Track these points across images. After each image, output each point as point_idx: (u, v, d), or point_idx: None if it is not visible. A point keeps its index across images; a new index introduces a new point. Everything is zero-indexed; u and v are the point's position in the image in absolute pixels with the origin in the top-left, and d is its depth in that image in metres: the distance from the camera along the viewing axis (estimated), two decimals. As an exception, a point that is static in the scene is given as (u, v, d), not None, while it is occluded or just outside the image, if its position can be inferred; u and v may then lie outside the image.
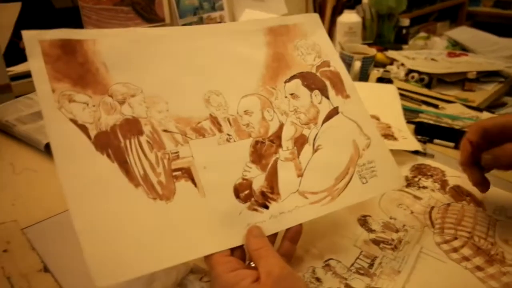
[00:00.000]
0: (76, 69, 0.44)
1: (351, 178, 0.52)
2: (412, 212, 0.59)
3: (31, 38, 0.43)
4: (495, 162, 0.54)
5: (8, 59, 0.89)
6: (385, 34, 1.45)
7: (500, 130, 0.54)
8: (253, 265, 0.42)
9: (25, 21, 1.15)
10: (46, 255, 0.50)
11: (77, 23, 1.18)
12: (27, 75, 0.71)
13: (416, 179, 0.67)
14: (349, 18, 1.30)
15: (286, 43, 0.57)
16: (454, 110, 0.94)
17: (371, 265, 0.50)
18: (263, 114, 0.51)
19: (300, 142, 0.51)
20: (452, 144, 0.77)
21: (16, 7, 1.11)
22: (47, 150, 0.69)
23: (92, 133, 0.42)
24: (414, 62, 1.17)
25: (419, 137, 0.79)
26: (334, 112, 0.55)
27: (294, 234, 0.46)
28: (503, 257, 0.51)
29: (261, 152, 0.49)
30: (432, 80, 1.09)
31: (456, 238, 0.54)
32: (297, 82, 0.55)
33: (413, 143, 0.74)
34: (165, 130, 0.45)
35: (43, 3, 1.30)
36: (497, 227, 0.56)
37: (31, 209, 0.58)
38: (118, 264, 0.38)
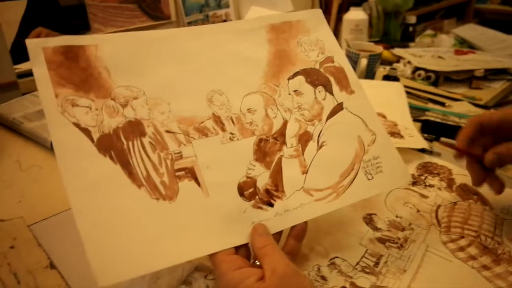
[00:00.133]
0: (78, 74, 0.44)
1: (356, 175, 0.51)
2: (418, 211, 0.59)
3: (34, 46, 0.44)
4: (500, 161, 0.53)
5: (15, 57, 0.90)
6: (392, 32, 1.44)
7: (498, 125, 0.54)
8: (257, 263, 0.42)
9: (31, 19, 1.15)
10: (52, 251, 0.50)
11: (83, 21, 1.18)
12: (33, 72, 0.71)
13: (423, 177, 0.67)
14: (356, 15, 1.29)
15: (288, 39, 0.56)
16: (461, 108, 0.93)
17: (376, 263, 0.50)
18: (266, 112, 0.51)
19: (304, 139, 0.51)
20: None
21: (21, 5, 1.12)
22: (53, 147, 0.69)
23: (95, 136, 0.42)
24: (421, 60, 1.16)
25: (425, 135, 0.79)
26: (338, 108, 0.55)
27: (299, 232, 0.46)
28: (510, 256, 0.51)
29: (265, 149, 0.49)
30: (439, 78, 1.08)
31: (462, 237, 0.54)
32: (301, 78, 0.54)
33: (420, 141, 0.73)
34: (167, 131, 0.46)
35: (48, 0, 1.31)
36: (504, 226, 0.56)
37: (37, 206, 0.59)
38: (121, 264, 0.38)
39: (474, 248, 0.52)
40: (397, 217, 0.58)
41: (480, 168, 0.55)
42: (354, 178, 0.51)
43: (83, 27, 1.24)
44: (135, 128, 0.44)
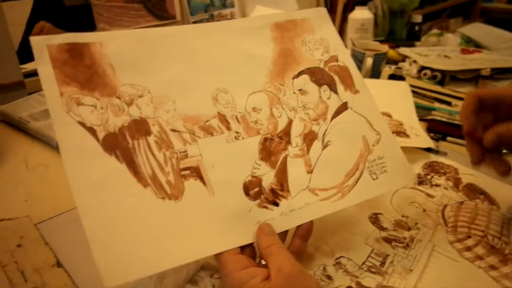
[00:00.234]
0: (83, 72, 0.44)
1: (361, 174, 0.51)
2: (424, 210, 0.59)
3: (39, 43, 0.43)
4: (500, 141, 0.50)
5: (21, 56, 0.90)
6: (397, 31, 1.43)
7: (496, 102, 0.52)
8: (263, 262, 0.42)
9: (36, 19, 1.16)
10: (58, 250, 0.51)
11: (88, 21, 1.19)
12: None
13: (429, 176, 0.66)
14: (361, 14, 1.29)
15: (293, 38, 0.56)
16: (467, 108, 0.92)
17: (382, 263, 0.50)
18: (271, 111, 0.51)
19: (309, 138, 0.51)
20: (465, 142, 0.76)
21: (27, 4, 1.12)
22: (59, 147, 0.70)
23: (100, 135, 0.42)
24: (427, 59, 1.16)
25: (431, 134, 0.78)
26: (343, 107, 0.54)
27: (304, 231, 0.46)
28: (518, 256, 0.50)
29: (270, 149, 0.49)
30: (445, 77, 1.07)
31: (469, 237, 0.53)
32: (305, 77, 0.54)
33: (426, 141, 0.73)
34: (173, 130, 0.45)
35: (52, 1, 1.31)
36: (512, 226, 0.55)
37: (44, 205, 0.59)
38: (127, 264, 0.38)
39: (481, 248, 0.52)
40: (403, 216, 0.57)
41: (479, 147, 0.53)
42: (359, 178, 0.51)
43: (88, 27, 1.24)
44: (140, 127, 0.44)
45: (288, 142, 0.50)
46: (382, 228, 0.55)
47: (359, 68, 1.03)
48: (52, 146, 0.72)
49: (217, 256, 0.42)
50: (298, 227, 0.46)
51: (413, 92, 0.95)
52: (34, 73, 0.94)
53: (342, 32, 1.42)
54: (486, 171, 0.66)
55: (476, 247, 0.52)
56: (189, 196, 0.43)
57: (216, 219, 0.43)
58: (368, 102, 0.56)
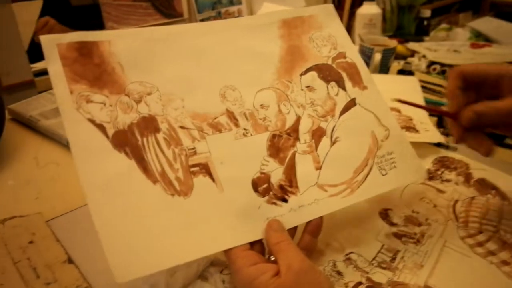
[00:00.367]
0: (92, 70, 0.44)
1: (370, 170, 0.51)
2: (435, 206, 0.58)
3: (49, 42, 0.44)
4: (479, 120, 0.47)
5: (31, 55, 0.91)
6: (406, 26, 1.42)
7: (479, 79, 0.49)
8: (273, 258, 0.42)
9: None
10: (70, 246, 0.51)
11: (97, 20, 1.19)
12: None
13: (439, 172, 0.66)
14: (369, 9, 1.28)
15: (300, 35, 0.56)
16: (477, 102, 0.91)
17: (393, 259, 0.49)
18: (279, 108, 0.51)
19: (317, 134, 0.51)
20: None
21: (37, 5, 1.14)
22: (69, 144, 0.70)
23: (110, 132, 0.43)
24: (436, 54, 1.15)
25: (441, 129, 0.77)
26: (351, 103, 0.54)
27: (314, 227, 0.46)
28: (531, 251, 0.50)
29: (279, 145, 0.49)
30: (454, 72, 1.06)
31: (481, 232, 0.53)
32: (313, 74, 0.54)
33: (436, 136, 0.72)
34: (181, 127, 0.46)
35: (59, 0, 1.32)
36: (524, 221, 0.55)
37: (55, 202, 0.59)
38: (138, 260, 0.38)
39: (493, 244, 0.51)
40: (413, 212, 0.57)
41: (460, 126, 0.49)
42: (368, 174, 0.51)
43: (97, 27, 1.25)
44: (149, 124, 0.45)
45: (297, 138, 0.50)
46: (392, 224, 0.55)
47: (368, 64, 1.03)
48: (62, 144, 0.73)
49: (227, 252, 0.42)
50: (307, 223, 0.46)
51: (423, 87, 0.94)
52: (44, 72, 0.95)
53: (350, 27, 1.41)
54: (497, 165, 0.66)
55: (488, 243, 0.51)
56: (198, 193, 0.43)
57: (225, 215, 0.43)
58: (376, 98, 0.56)
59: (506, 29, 1.42)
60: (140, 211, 0.41)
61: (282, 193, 0.47)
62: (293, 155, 0.49)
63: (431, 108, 0.54)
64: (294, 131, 0.50)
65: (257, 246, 0.44)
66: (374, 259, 0.49)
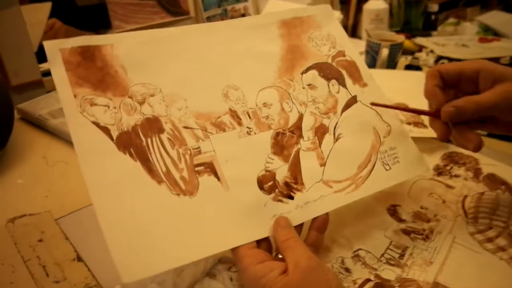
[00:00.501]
0: (96, 73, 0.45)
1: (374, 166, 0.51)
2: (444, 202, 0.58)
3: (52, 47, 0.44)
4: (459, 115, 0.46)
5: (39, 56, 0.92)
6: (413, 21, 1.41)
7: (457, 76, 0.49)
8: (280, 256, 0.42)
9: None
10: (79, 244, 0.51)
11: (104, 20, 1.20)
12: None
13: (448, 167, 0.65)
14: (376, 5, 1.27)
15: (300, 35, 0.57)
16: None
17: (401, 255, 0.49)
18: (282, 106, 0.51)
19: (320, 131, 0.51)
20: (484, 132, 0.74)
21: (47, 7, 1.15)
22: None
23: (114, 134, 0.43)
24: (444, 49, 1.14)
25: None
26: (352, 100, 0.55)
27: (320, 223, 0.46)
28: (541, 247, 0.49)
29: (283, 143, 0.49)
30: (463, 67, 1.05)
31: (490, 228, 0.52)
32: (314, 72, 0.55)
33: (444, 131, 0.71)
34: (185, 127, 0.46)
35: (65, 1, 1.33)
36: (535, 217, 0.54)
37: (64, 200, 0.60)
38: (144, 260, 0.38)
39: (503, 239, 0.51)
40: (422, 208, 0.57)
41: (442, 123, 0.50)
42: (372, 169, 0.51)
43: (104, 26, 1.26)
44: (153, 125, 0.45)
45: (300, 136, 0.50)
46: (401, 220, 0.55)
47: (375, 59, 1.03)
48: (71, 142, 0.72)
49: (234, 250, 0.42)
50: (314, 219, 0.46)
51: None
52: (51, 72, 0.96)
53: (357, 23, 1.40)
54: (507, 160, 0.65)
55: (498, 238, 0.51)
56: (204, 192, 0.43)
57: (232, 213, 0.43)
58: (377, 95, 0.56)
59: (515, 22, 1.40)
60: (146, 212, 0.41)
61: (288, 190, 0.47)
62: (297, 152, 0.49)
63: (410, 110, 0.54)
64: (297, 128, 0.50)
65: (264, 243, 0.43)
66: (382, 255, 0.49)
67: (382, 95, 0.57)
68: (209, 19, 1.30)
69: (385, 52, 1.01)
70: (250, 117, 0.49)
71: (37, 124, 0.80)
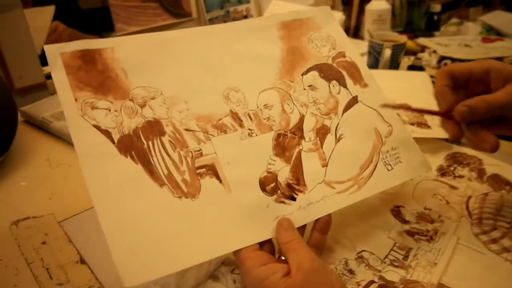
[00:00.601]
0: (96, 77, 0.45)
1: (376, 166, 0.51)
2: (447, 202, 0.58)
3: (53, 51, 0.44)
4: (472, 114, 0.46)
5: (43, 58, 0.92)
6: (415, 21, 1.41)
7: (466, 76, 0.50)
8: (282, 258, 0.41)
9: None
10: (82, 247, 0.51)
11: (107, 22, 1.20)
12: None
13: (452, 168, 0.65)
14: (378, 5, 1.27)
15: (300, 36, 0.57)
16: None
17: (405, 257, 0.49)
18: (283, 107, 0.51)
19: (322, 132, 0.51)
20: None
21: (50, 10, 1.15)
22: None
23: (115, 137, 0.43)
24: (447, 49, 1.13)
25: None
26: (353, 101, 0.55)
27: (323, 224, 0.46)
28: (547, 248, 0.49)
29: (284, 144, 0.49)
30: (466, 67, 1.05)
31: (495, 229, 0.52)
32: (314, 73, 0.55)
33: (448, 132, 0.71)
34: (186, 129, 0.46)
35: (68, 4, 1.34)
36: (540, 217, 0.54)
37: (67, 203, 0.60)
38: (147, 264, 0.38)
39: (508, 240, 0.50)
40: (425, 209, 0.56)
41: (455, 123, 0.49)
42: (374, 170, 0.51)
43: (107, 29, 1.26)
44: (154, 128, 0.45)
45: (301, 137, 0.50)
46: (405, 221, 0.54)
47: (377, 60, 1.02)
48: (74, 145, 0.73)
49: (236, 253, 0.42)
50: (316, 220, 0.46)
51: (433, 82, 0.93)
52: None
53: (359, 23, 1.40)
54: (511, 160, 0.65)
55: (503, 239, 0.51)
56: (206, 194, 0.43)
57: (234, 216, 0.43)
58: (378, 95, 0.56)
59: (518, 22, 1.39)
60: (148, 215, 0.41)
61: (290, 191, 0.47)
62: (299, 153, 0.49)
63: (421, 110, 0.54)
64: (298, 129, 0.50)
65: (267, 245, 0.43)
66: (386, 257, 0.49)
67: (383, 95, 0.57)
68: (211, 20, 1.30)
69: (387, 52, 1.00)
70: (251, 119, 0.49)
71: (41, 127, 0.80)
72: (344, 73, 0.56)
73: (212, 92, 0.49)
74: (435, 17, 1.41)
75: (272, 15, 0.58)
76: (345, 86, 0.55)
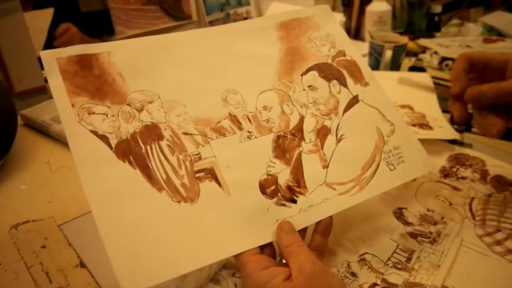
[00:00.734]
0: (93, 82, 0.44)
1: (378, 166, 0.51)
2: (450, 204, 0.57)
3: (49, 57, 0.44)
4: (481, 97, 0.48)
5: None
6: (416, 22, 1.40)
7: (485, 63, 0.51)
8: (284, 261, 0.41)
9: (55, 27, 1.18)
10: (82, 250, 0.51)
11: (107, 25, 1.20)
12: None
13: (454, 169, 0.65)
14: (379, 6, 1.26)
15: (299, 36, 0.56)
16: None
17: (408, 259, 0.48)
18: (282, 108, 0.50)
19: (322, 133, 0.50)
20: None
21: (49, 13, 1.15)
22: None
23: (113, 142, 0.43)
24: (448, 50, 1.13)
25: (455, 126, 0.76)
26: (354, 100, 0.54)
27: (324, 227, 0.45)
28: (551, 249, 0.48)
29: (284, 146, 0.48)
30: (467, 68, 1.04)
31: (499, 230, 0.52)
32: (314, 73, 0.54)
33: (450, 132, 0.71)
34: (185, 133, 0.45)
35: (69, 7, 1.34)
36: (544, 219, 0.53)
37: (67, 206, 0.60)
38: (146, 270, 0.38)
39: (512, 242, 0.50)
40: (428, 210, 0.56)
41: (462, 105, 0.52)
42: (376, 170, 0.50)
43: (107, 32, 1.26)
44: (152, 132, 0.44)
45: (302, 138, 0.49)
46: (407, 223, 0.54)
47: (378, 61, 1.02)
48: (74, 148, 0.73)
49: (237, 257, 0.41)
50: (317, 223, 0.45)
51: (435, 83, 0.92)
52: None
53: (360, 25, 1.40)
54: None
55: (507, 241, 0.50)
56: (205, 198, 0.43)
57: (234, 219, 0.43)
58: (379, 94, 0.56)
59: (519, 22, 1.39)
60: (146, 220, 0.40)
61: (291, 194, 0.46)
62: (299, 155, 0.48)
63: (438, 90, 0.55)
64: (298, 131, 0.50)
65: (268, 249, 0.43)
66: (389, 259, 0.49)
67: (385, 94, 0.56)
68: (211, 23, 1.30)
69: (388, 54, 1.00)
70: (250, 121, 0.48)
71: (40, 130, 0.80)
72: (345, 72, 0.56)
73: (210, 95, 0.48)
74: (436, 18, 1.41)
75: (271, 15, 0.57)
76: (345, 85, 0.55)
